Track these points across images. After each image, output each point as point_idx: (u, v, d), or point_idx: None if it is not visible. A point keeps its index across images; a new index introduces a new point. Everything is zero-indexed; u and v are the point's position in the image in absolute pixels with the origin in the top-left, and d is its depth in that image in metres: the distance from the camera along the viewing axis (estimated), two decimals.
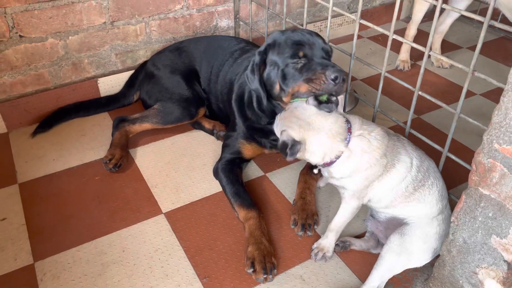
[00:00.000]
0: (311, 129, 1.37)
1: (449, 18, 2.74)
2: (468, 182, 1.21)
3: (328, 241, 1.57)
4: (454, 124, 1.50)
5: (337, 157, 1.39)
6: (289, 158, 1.37)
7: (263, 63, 1.67)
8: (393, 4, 3.45)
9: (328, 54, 1.63)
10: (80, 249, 1.62)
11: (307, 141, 1.37)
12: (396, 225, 1.47)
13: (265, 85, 1.68)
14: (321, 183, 1.87)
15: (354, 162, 1.38)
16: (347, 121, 1.41)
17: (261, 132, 1.86)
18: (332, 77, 1.47)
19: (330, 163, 1.41)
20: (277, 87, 1.64)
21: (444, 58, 1.51)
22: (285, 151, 1.37)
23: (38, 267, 1.55)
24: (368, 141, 1.38)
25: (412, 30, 2.77)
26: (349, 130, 1.39)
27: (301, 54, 1.57)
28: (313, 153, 1.39)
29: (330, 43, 1.80)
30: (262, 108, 1.79)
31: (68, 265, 1.56)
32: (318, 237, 1.67)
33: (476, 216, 1.20)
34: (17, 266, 1.56)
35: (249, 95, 1.86)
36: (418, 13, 2.69)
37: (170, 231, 1.70)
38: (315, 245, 1.60)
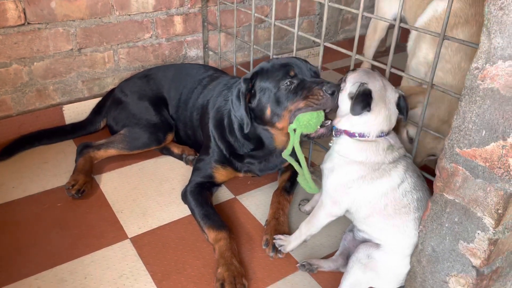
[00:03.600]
0: (384, 102, 1.36)
1: None
2: (433, 190, 1.24)
3: (292, 238, 1.57)
4: (417, 137, 1.55)
5: (359, 135, 1.37)
6: (355, 111, 1.33)
7: (249, 91, 1.65)
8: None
9: (317, 74, 1.63)
10: (39, 277, 1.52)
11: (375, 109, 1.35)
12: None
13: (254, 111, 1.66)
14: (307, 207, 1.85)
15: (362, 147, 1.36)
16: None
17: (238, 156, 1.85)
18: (330, 92, 1.47)
19: (350, 134, 1.39)
20: (268, 112, 1.62)
21: (404, 74, 1.59)
22: (359, 102, 1.32)
23: None
24: (388, 143, 1.37)
25: (365, 64, 2.89)
26: (388, 134, 1.40)
27: (292, 73, 1.56)
28: (361, 118, 1.36)
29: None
30: (247, 136, 1.76)
31: None
32: (289, 257, 1.64)
33: (443, 222, 1.21)
34: None
35: (229, 121, 1.82)
36: (368, 49, 2.86)
37: (136, 256, 1.62)
38: (281, 236, 1.61)
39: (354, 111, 1.34)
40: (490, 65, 0.99)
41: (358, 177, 1.35)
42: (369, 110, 1.34)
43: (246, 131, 1.67)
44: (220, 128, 1.87)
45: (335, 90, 1.46)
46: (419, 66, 1.93)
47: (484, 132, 1.04)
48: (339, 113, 1.46)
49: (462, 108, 1.08)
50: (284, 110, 1.58)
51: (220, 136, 1.86)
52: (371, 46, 2.84)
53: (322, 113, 1.53)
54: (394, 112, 1.39)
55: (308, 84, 1.55)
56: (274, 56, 2.16)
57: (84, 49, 2.32)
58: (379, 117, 1.36)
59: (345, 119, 1.41)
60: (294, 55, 2.03)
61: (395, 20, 1.54)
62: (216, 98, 1.97)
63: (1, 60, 2.11)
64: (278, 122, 1.62)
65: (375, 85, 1.37)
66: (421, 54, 1.93)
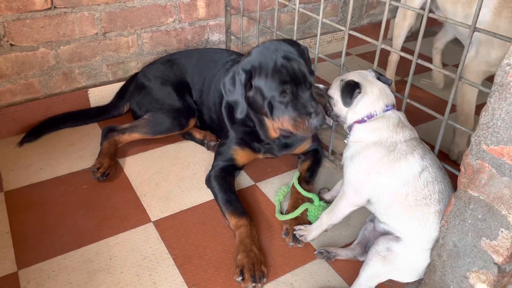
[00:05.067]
0: (369, 80, 1.48)
1: (444, 38, 2.76)
2: (457, 185, 1.22)
3: (313, 227, 1.60)
4: (442, 131, 1.53)
5: (368, 117, 1.44)
6: (348, 102, 1.45)
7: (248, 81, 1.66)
8: (381, 23, 3.54)
9: (311, 85, 1.64)
10: (66, 257, 1.59)
11: (367, 88, 1.45)
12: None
13: (250, 103, 1.71)
14: (327, 196, 1.86)
15: (373, 127, 1.42)
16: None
17: (254, 136, 1.87)
18: (316, 124, 1.58)
19: (360, 121, 1.46)
20: (264, 111, 1.68)
21: (432, 67, 1.55)
22: (346, 93, 1.44)
23: (22, 275, 1.51)
24: (398, 119, 1.43)
25: (394, 55, 2.70)
26: (393, 107, 1.47)
27: (287, 91, 1.60)
28: (362, 102, 1.45)
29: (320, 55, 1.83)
30: (249, 117, 1.83)
31: (53, 273, 1.52)
32: (308, 246, 1.66)
33: (466, 218, 1.20)
34: (0, 274, 1.51)
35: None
36: (397, 38, 2.62)
37: (159, 239, 1.67)
38: (301, 227, 1.64)
39: (346, 102, 1.45)
40: None
41: (376, 160, 1.38)
42: (359, 92, 1.44)
43: (241, 116, 1.72)
44: (230, 108, 1.91)
45: (320, 124, 1.58)
46: (482, 67, 1.69)
47: None
48: (343, 117, 1.53)
49: (491, 105, 1.05)
50: (276, 120, 1.67)
51: (228, 117, 1.92)
52: (400, 36, 2.60)
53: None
54: (382, 85, 1.48)
55: (299, 106, 1.59)
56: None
57: (109, 33, 2.34)
58: (374, 91, 1.45)
59: (350, 115, 1.49)
60: (318, 41, 2.01)
61: (422, 8, 1.50)
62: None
63: (29, 43, 2.15)
64: (272, 120, 1.69)
65: (352, 75, 1.49)
66: (495, 54, 1.63)
